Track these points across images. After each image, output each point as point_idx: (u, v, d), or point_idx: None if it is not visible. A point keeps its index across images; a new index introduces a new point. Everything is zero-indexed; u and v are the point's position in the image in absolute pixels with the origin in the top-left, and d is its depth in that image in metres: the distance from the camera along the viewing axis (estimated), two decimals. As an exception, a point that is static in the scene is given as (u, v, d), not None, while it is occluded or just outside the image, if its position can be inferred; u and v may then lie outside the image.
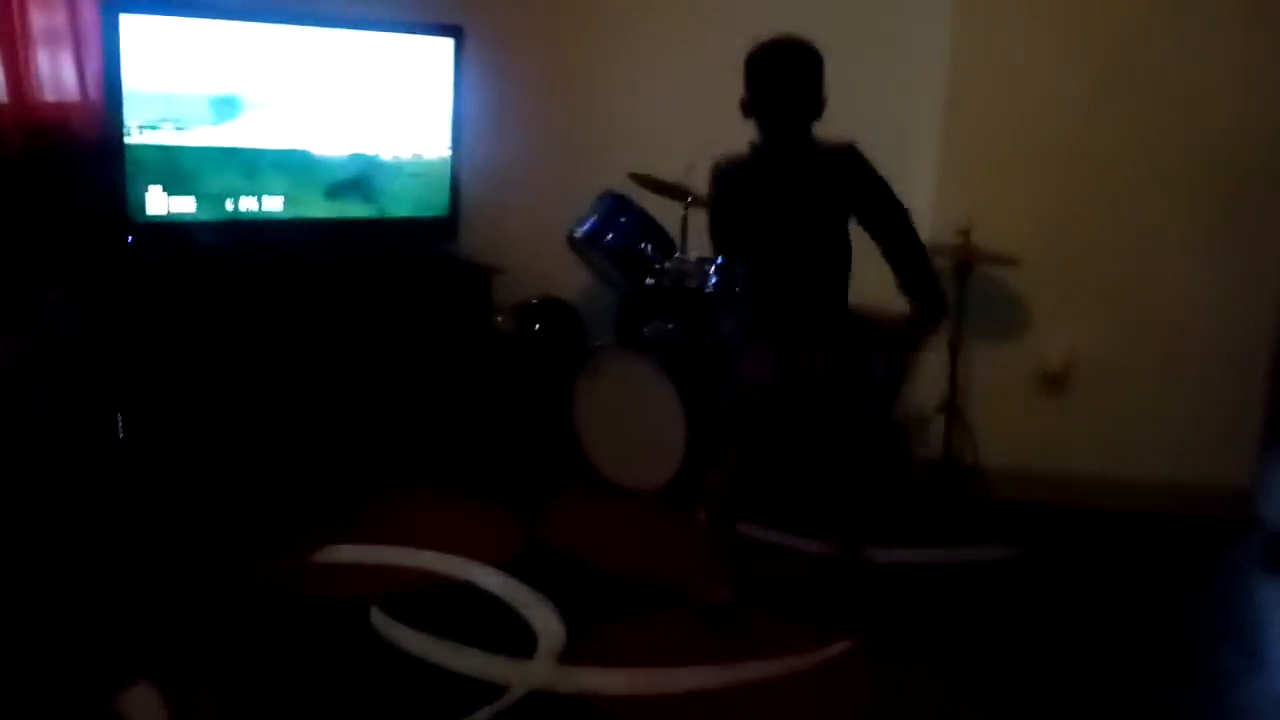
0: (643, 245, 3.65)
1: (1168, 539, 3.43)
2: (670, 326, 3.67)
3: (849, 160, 2.62)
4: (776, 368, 2.68)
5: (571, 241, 3.73)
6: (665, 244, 3.68)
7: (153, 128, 3.25)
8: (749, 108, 2.63)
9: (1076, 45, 3.45)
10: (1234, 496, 3.56)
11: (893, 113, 3.79)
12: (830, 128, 3.90)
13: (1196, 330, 3.52)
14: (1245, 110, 3.38)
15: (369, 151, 3.70)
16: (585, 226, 3.66)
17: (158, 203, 3.31)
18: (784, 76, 2.60)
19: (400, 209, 3.80)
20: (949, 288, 3.45)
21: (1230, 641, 2.83)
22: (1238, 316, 3.48)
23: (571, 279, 4.03)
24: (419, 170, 3.81)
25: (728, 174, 2.72)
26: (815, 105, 2.61)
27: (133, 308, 3.25)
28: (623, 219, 3.66)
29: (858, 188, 2.62)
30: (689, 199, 3.63)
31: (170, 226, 3.35)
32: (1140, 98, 3.44)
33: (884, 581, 3.02)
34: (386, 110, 3.71)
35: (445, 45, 3.77)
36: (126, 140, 3.21)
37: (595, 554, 3.10)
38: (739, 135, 4.06)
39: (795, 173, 2.62)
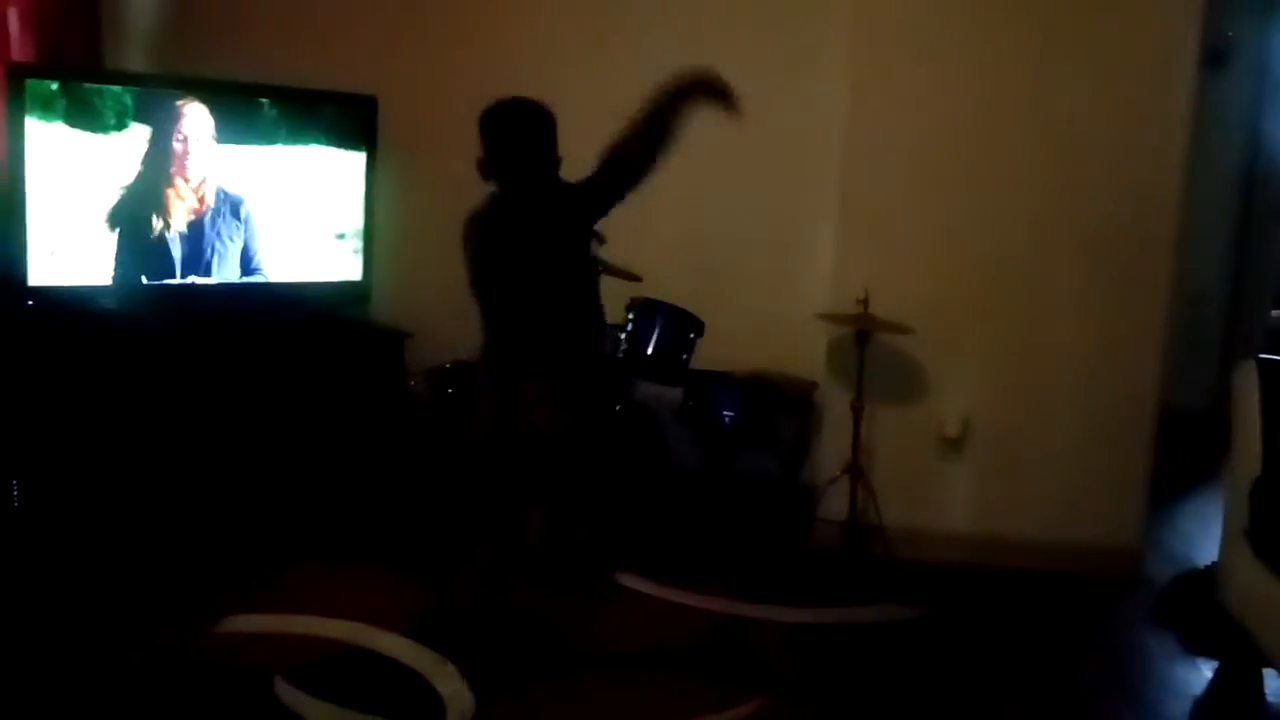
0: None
1: (1062, 596, 3.55)
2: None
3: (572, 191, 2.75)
4: (498, 422, 2.77)
5: (483, 308, 3.76)
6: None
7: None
8: (486, 168, 2.74)
9: (963, 129, 3.65)
10: (1123, 555, 3.70)
11: (798, 190, 3.96)
12: (735, 207, 4.07)
13: (1084, 395, 3.68)
14: (1127, 189, 3.59)
15: (282, 217, 3.70)
16: (497, 293, 3.69)
17: (59, 268, 3.26)
18: (521, 134, 2.75)
19: (313, 274, 3.80)
20: (849, 353, 3.58)
21: (1123, 693, 2.94)
22: (1122, 381, 3.66)
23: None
24: (332, 236, 3.83)
25: (474, 224, 2.81)
26: (552, 161, 2.75)
27: (30, 374, 3.17)
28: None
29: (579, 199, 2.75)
30: (600, 267, 3.70)
31: (72, 292, 3.30)
32: (1026, 176, 3.64)
33: (790, 641, 3.08)
34: (301, 175, 3.72)
35: (360, 114, 3.81)
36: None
37: (506, 618, 3.08)
38: (650, 206, 4.18)
39: (533, 221, 2.73)
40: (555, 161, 2.76)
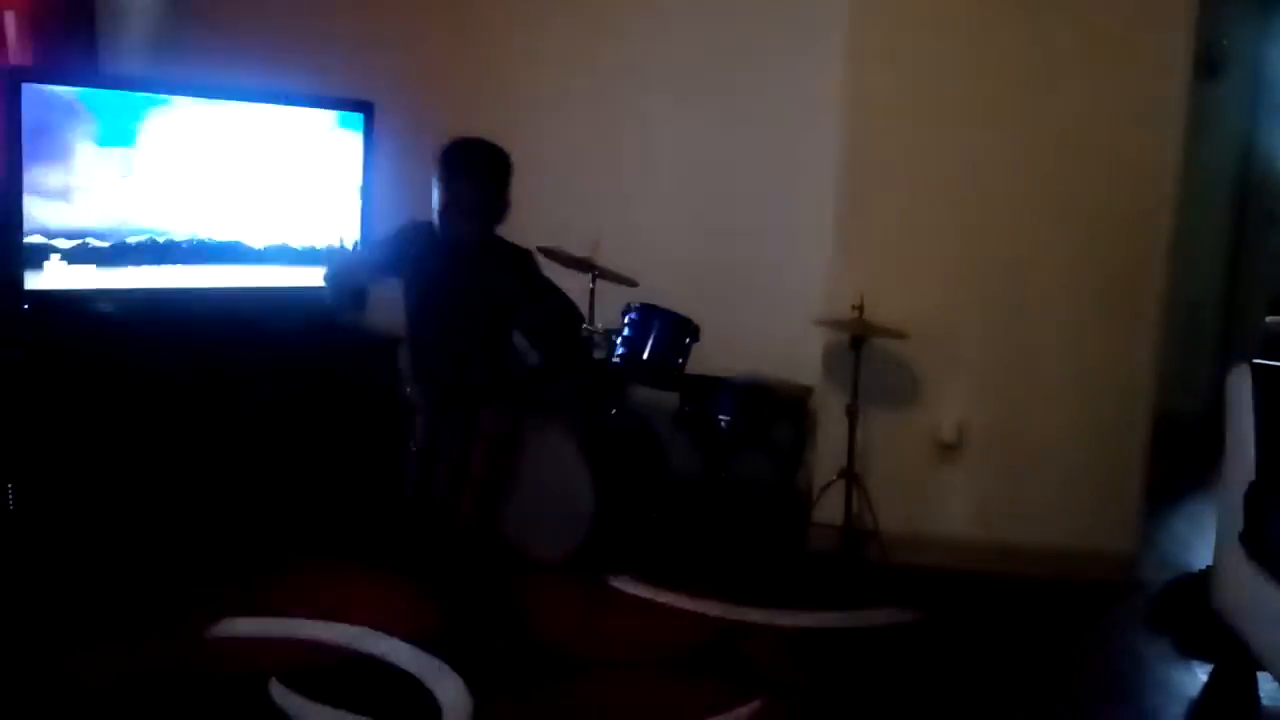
0: (550, 317, 3.70)
1: (1058, 601, 3.56)
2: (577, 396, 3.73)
3: (522, 262, 2.80)
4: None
5: (480, 312, 3.76)
6: (573, 315, 3.74)
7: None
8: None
9: (957, 136, 3.67)
10: (1118, 559, 3.71)
11: (793, 195, 3.97)
12: (731, 212, 4.09)
13: (1079, 399, 3.69)
14: (1122, 195, 3.61)
15: (277, 221, 3.71)
16: (494, 298, 3.69)
17: (56, 272, 3.26)
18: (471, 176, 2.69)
19: (309, 279, 3.79)
20: (845, 359, 3.59)
21: (1118, 697, 2.95)
22: (1118, 385, 3.66)
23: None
24: (328, 241, 3.82)
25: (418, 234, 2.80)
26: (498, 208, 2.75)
27: (26, 377, 3.17)
28: (531, 291, 3.71)
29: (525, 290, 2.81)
30: (596, 272, 3.72)
31: (68, 295, 3.29)
32: (1021, 182, 3.65)
33: (788, 645, 3.08)
34: (297, 179, 3.73)
35: (355, 120, 3.82)
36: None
37: (503, 624, 3.08)
38: (646, 210, 4.20)
39: (472, 264, 2.74)
40: (503, 209, 2.77)
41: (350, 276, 2.79)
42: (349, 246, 2.89)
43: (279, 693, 2.60)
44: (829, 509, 3.70)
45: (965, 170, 3.67)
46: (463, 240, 2.72)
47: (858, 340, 3.54)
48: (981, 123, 3.65)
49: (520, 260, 2.81)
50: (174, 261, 3.49)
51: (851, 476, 3.64)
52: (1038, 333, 3.69)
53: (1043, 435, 3.71)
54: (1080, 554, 3.69)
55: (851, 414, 3.59)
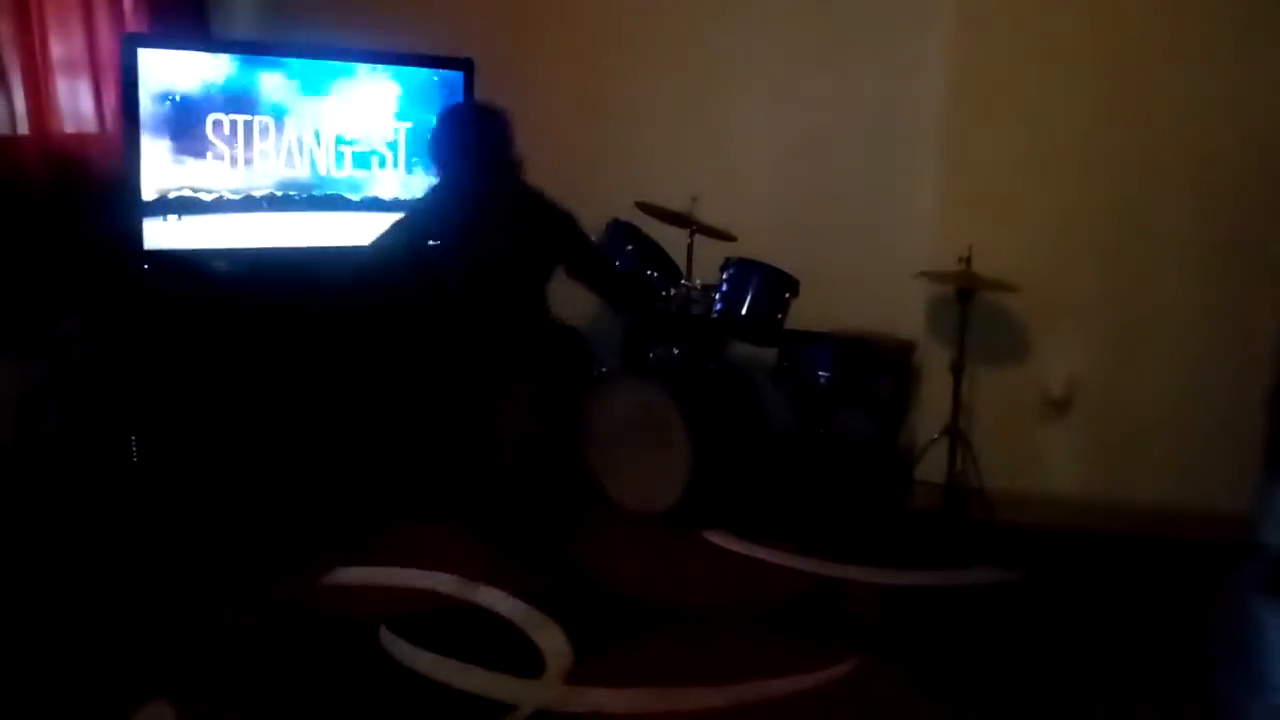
0: (649, 272, 3.71)
1: (1169, 562, 3.44)
2: (676, 352, 3.73)
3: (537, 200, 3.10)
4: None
5: (579, 269, 3.78)
6: (671, 271, 3.74)
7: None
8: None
9: (1074, 79, 3.51)
10: (1235, 520, 3.56)
11: (895, 145, 3.87)
12: (830, 162, 4.00)
13: (1195, 355, 3.54)
14: (1244, 142, 3.42)
15: (379, 180, 3.78)
16: (593, 254, 3.71)
17: (172, 230, 3.38)
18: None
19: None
20: (950, 312, 3.51)
21: (1233, 662, 2.85)
22: (1235, 341, 3.50)
23: (579, 305, 4.08)
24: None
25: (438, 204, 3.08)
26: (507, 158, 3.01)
27: (147, 335, 3.31)
28: (629, 246, 3.72)
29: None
30: (694, 227, 3.70)
31: (183, 255, 3.41)
32: (1138, 129, 3.48)
33: (887, 602, 3.06)
34: (399, 137, 3.79)
35: (456, 78, 3.85)
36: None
37: (603, 576, 3.13)
38: (744, 164, 4.14)
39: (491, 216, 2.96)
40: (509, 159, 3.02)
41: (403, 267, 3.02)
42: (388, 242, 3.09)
43: (389, 639, 2.69)
44: (931, 466, 3.64)
45: (1079, 113, 3.51)
46: (478, 192, 2.80)
47: (965, 293, 3.45)
48: (1098, 62, 3.48)
49: (535, 199, 3.04)
50: (282, 210, 3.59)
51: (956, 433, 3.57)
52: (1154, 285, 3.54)
53: (1157, 390, 3.58)
54: (1195, 513, 3.56)
55: (957, 369, 3.52)
